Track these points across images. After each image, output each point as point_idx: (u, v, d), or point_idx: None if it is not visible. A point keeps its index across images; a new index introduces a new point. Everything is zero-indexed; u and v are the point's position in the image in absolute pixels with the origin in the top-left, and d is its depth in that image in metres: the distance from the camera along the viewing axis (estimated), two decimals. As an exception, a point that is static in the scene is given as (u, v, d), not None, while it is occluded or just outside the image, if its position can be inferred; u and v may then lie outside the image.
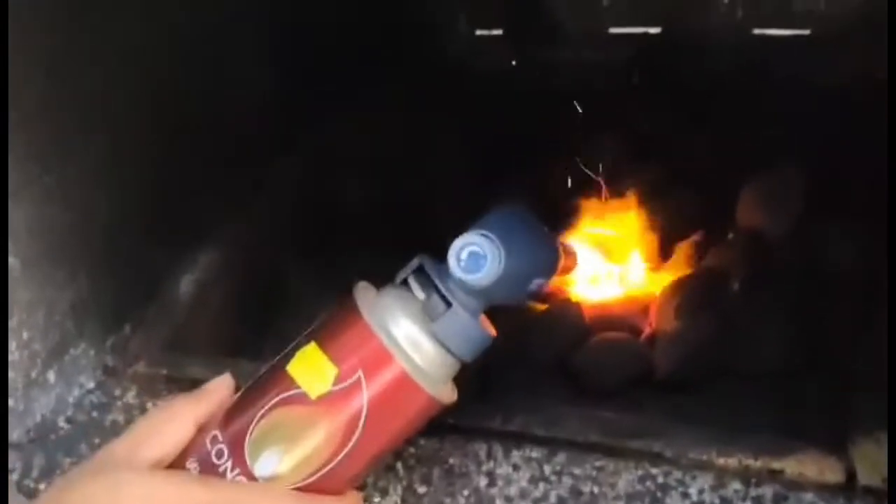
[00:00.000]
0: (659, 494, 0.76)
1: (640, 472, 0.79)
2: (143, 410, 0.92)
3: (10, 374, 0.89)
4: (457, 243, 0.63)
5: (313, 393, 0.62)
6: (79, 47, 0.92)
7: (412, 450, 0.83)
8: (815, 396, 0.93)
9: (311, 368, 0.63)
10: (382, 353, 0.63)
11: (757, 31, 1.46)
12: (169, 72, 1.03)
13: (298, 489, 0.63)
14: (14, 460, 0.87)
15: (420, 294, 0.65)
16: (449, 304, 0.64)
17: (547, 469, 0.80)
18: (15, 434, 0.89)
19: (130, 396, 0.94)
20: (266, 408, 0.63)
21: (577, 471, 0.80)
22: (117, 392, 0.95)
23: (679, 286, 1.09)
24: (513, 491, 0.79)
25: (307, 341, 0.65)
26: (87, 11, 0.92)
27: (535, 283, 0.70)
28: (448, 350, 0.65)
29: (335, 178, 1.30)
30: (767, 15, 1.45)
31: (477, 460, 0.82)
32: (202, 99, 1.09)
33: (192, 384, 0.92)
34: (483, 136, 1.37)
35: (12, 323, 0.88)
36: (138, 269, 1.03)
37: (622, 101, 1.39)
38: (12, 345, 0.89)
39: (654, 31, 1.50)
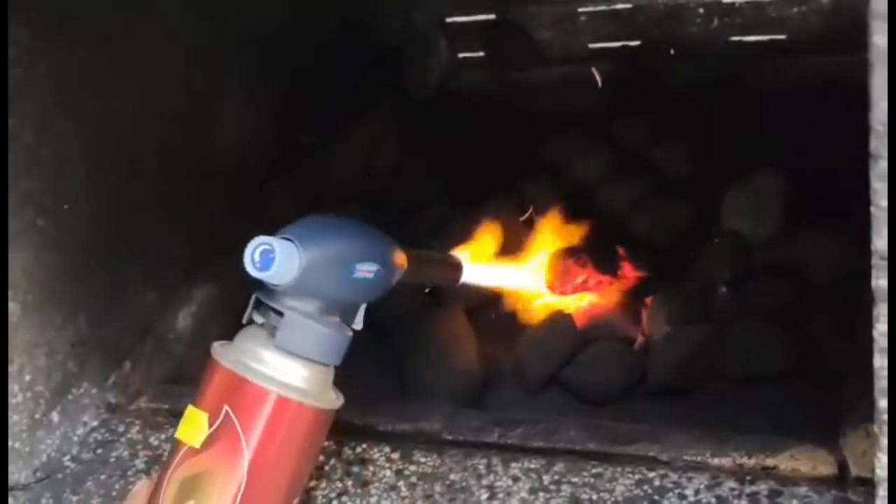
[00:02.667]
0: (656, 497, 0.77)
1: (637, 477, 0.79)
2: (147, 445, 0.93)
3: (15, 417, 0.90)
4: (249, 247, 0.65)
5: (197, 443, 0.65)
6: (70, 91, 0.94)
7: (413, 468, 0.84)
8: (805, 395, 0.94)
9: (191, 425, 0.66)
10: (236, 380, 0.66)
11: (734, 39, 1.47)
12: (159, 113, 1.05)
13: None
14: (22, 501, 0.88)
15: (260, 320, 0.68)
16: (281, 315, 0.66)
17: (546, 479, 0.81)
18: (22, 475, 0.91)
19: (134, 432, 0.96)
20: (168, 476, 0.66)
21: (575, 479, 0.81)
22: (121, 428, 0.97)
23: (669, 294, 1.10)
24: (514, 502, 0.80)
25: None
26: (75, 60, 0.95)
27: (365, 270, 0.69)
28: (300, 357, 0.67)
29: (325, 207, 1.31)
30: (743, 22, 1.46)
31: (477, 474, 0.83)
32: (191, 137, 1.11)
33: (194, 416, 0.95)
34: (469, 158, 1.39)
35: (14, 367, 0.90)
36: (136, 306, 1.05)
37: (604, 114, 1.40)
38: (15, 388, 0.90)
39: (632, 44, 1.52)
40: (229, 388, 0.66)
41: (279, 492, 0.67)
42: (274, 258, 0.64)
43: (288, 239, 0.65)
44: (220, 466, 0.65)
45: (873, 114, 0.51)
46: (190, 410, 0.67)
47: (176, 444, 0.67)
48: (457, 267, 0.91)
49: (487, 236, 1.14)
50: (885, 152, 0.50)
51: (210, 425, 0.65)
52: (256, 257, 0.64)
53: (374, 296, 0.73)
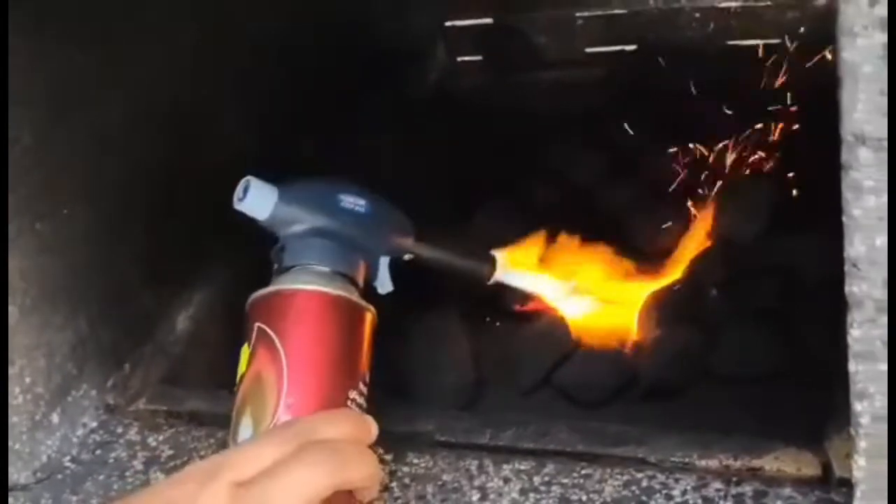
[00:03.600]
0: (644, 498, 0.78)
1: (625, 478, 0.81)
2: (145, 446, 0.95)
3: (15, 419, 0.92)
4: (238, 185, 0.76)
5: (244, 367, 0.72)
6: (69, 96, 0.96)
7: (406, 469, 0.86)
8: (791, 398, 0.95)
9: (242, 361, 0.73)
10: (257, 303, 0.74)
11: (730, 43, 1.48)
12: (157, 117, 1.07)
13: None
14: (23, 502, 0.90)
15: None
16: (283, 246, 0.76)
17: (536, 480, 0.82)
18: (22, 476, 0.92)
19: (133, 433, 0.97)
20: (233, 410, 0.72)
21: (565, 480, 0.82)
22: (120, 430, 0.98)
23: (660, 297, 1.11)
24: (505, 503, 0.81)
25: None
26: (73, 66, 0.96)
27: (351, 202, 0.79)
28: (300, 265, 0.75)
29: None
30: (738, 26, 1.47)
31: (469, 475, 0.84)
32: (190, 140, 1.12)
33: (192, 418, 0.96)
34: (467, 160, 1.40)
35: (14, 369, 0.91)
36: (135, 309, 1.07)
37: (600, 118, 1.42)
38: (15, 389, 0.92)
39: (629, 48, 1.53)
40: (255, 312, 0.73)
41: (321, 380, 0.71)
42: (248, 188, 0.75)
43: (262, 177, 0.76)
44: (262, 368, 0.70)
45: (844, 126, 0.52)
46: (241, 353, 0.73)
47: (236, 388, 0.72)
48: (487, 261, 0.95)
49: (536, 243, 1.14)
50: (855, 163, 0.52)
51: (249, 346, 0.72)
52: (240, 193, 0.76)
53: (374, 237, 0.81)
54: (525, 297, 1.11)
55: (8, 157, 0.87)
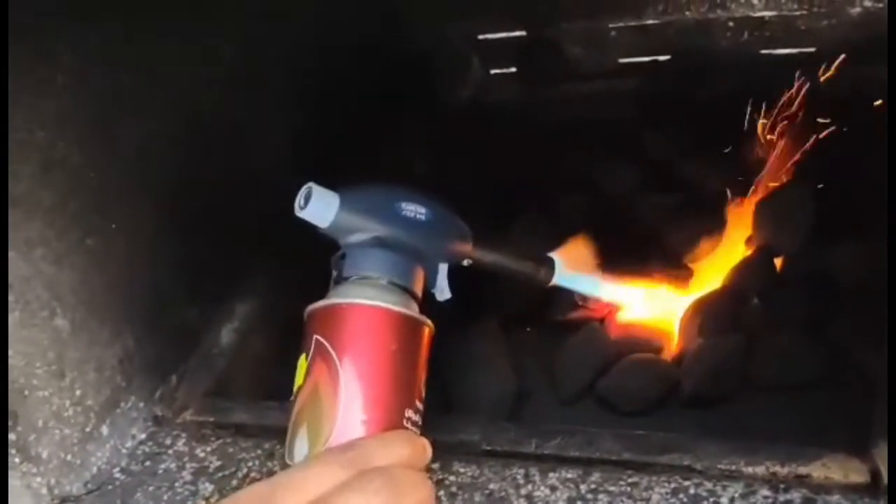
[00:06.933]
0: (691, 505, 0.79)
1: (672, 486, 0.81)
2: (193, 457, 0.96)
3: (66, 430, 0.93)
4: (300, 193, 0.75)
5: (301, 379, 0.71)
6: (113, 115, 0.97)
7: (452, 478, 0.87)
8: (837, 404, 0.96)
9: (299, 373, 0.72)
10: (317, 314, 0.72)
11: (763, 52, 1.48)
12: (198, 132, 1.08)
13: None
14: (74, 512, 0.92)
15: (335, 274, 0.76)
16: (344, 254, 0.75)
17: (583, 488, 0.83)
18: (74, 487, 0.93)
19: (180, 444, 0.98)
20: (290, 422, 0.71)
21: (612, 488, 0.82)
22: (167, 441, 0.99)
23: (701, 306, 1.11)
24: (552, 511, 0.82)
25: None
26: (120, 87, 0.98)
27: (411, 210, 0.77)
28: (359, 277, 0.74)
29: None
30: (772, 36, 1.47)
31: (515, 484, 0.85)
32: (230, 155, 1.13)
33: (238, 429, 0.97)
34: (502, 171, 1.41)
35: (65, 382, 0.93)
36: (180, 322, 1.08)
37: (634, 128, 1.42)
38: (66, 402, 0.93)
39: (662, 58, 1.53)
40: (314, 323, 0.72)
41: (379, 399, 0.70)
42: (311, 196, 0.74)
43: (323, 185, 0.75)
44: (320, 383, 0.69)
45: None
46: (298, 363, 0.72)
47: (293, 398, 0.72)
48: (546, 265, 0.95)
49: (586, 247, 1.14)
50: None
51: (307, 358, 0.71)
52: (301, 200, 0.75)
53: (434, 245, 0.79)
54: (581, 300, 1.12)
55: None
